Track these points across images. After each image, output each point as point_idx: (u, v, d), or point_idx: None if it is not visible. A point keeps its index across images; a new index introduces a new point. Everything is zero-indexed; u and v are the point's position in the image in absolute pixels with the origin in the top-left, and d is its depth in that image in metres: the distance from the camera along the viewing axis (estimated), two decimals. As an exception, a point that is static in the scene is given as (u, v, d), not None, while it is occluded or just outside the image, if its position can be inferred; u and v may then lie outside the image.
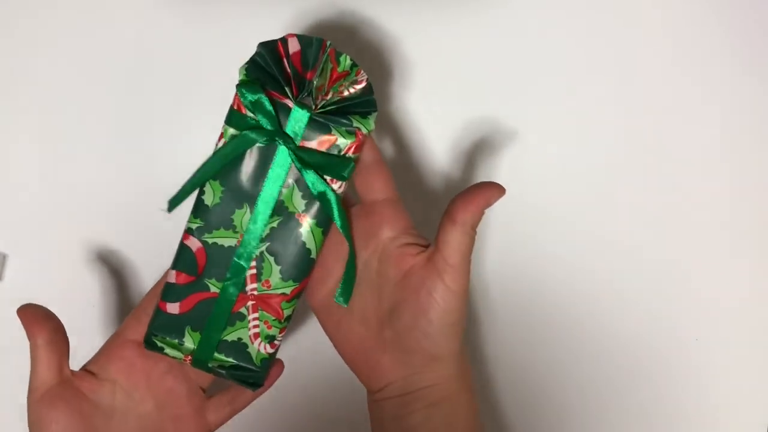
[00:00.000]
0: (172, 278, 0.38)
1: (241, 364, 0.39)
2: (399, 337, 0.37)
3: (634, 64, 0.50)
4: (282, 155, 0.36)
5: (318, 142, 0.36)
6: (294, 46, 0.36)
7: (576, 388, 0.49)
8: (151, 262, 0.48)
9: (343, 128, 0.36)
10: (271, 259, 0.37)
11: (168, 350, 0.38)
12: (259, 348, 0.39)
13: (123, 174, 0.49)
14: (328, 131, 0.36)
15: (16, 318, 0.47)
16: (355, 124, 0.36)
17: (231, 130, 0.36)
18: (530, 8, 0.50)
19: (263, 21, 0.49)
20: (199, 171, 0.36)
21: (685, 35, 0.50)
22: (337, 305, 0.39)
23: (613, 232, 0.49)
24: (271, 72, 0.36)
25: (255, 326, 0.38)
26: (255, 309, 0.38)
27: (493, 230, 0.49)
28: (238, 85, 0.36)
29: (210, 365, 0.38)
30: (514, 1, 0.50)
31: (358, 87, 0.37)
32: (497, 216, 0.49)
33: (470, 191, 0.36)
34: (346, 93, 0.37)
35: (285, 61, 0.36)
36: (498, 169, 0.49)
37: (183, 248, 0.37)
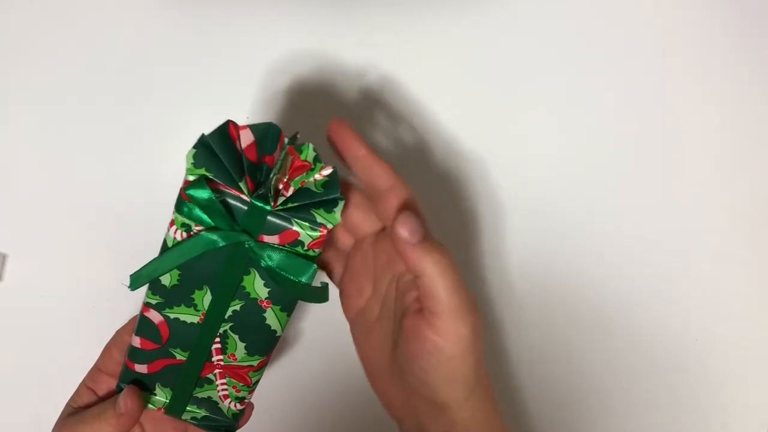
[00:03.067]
0: (137, 343, 0.37)
1: (213, 416, 0.39)
2: (402, 377, 0.35)
3: (634, 64, 0.50)
4: (239, 248, 0.34)
5: (279, 237, 0.33)
6: (247, 138, 0.33)
7: (570, 390, 0.49)
8: (151, 262, 0.48)
9: (307, 224, 0.33)
10: (236, 336, 0.36)
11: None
12: (229, 406, 0.39)
13: (123, 174, 0.49)
14: (290, 224, 0.33)
15: (16, 318, 0.47)
16: (320, 219, 0.33)
17: (181, 218, 0.33)
18: (530, 8, 0.50)
19: (264, 21, 0.49)
20: (156, 261, 0.34)
21: (685, 34, 0.50)
22: (365, 325, 0.37)
23: (613, 233, 0.49)
24: (223, 162, 0.32)
25: (224, 389, 0.38)
26: (222, 376, 0.38)
27: (513, 229, 0.49)
28: (185, 188, 0.32)
29: (183, 417, 0.39)
30: (514, 1, 0.50)
31: (324, 174, 0.34)
32: (514, 215, 0.49)
33: (398, 218, 0.32)
34: (308, 182, 0.34)
35: (238, 147, 0.33)
36: (500, 170, 0.49)
37: (144, 319, 0.37)
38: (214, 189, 0.32)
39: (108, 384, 0.40)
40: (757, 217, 0.50)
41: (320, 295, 0.36)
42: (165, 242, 0.34)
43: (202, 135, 0.33)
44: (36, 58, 0.49)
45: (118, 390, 0.39)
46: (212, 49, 0.49)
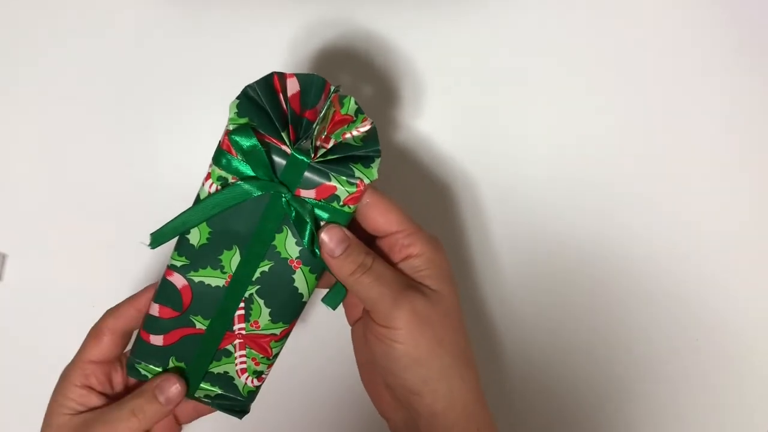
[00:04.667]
0: (155, 311, 0.36)
1: (228, 394, 0.38)
2: (379, 372, 0.37)
3: (635, 63, 0.50)
4: (276, 202, 0.34)
5: (316, 191, 0.33)
6: (293, 86, 0.33)
7: (571, 389, 0.49)
8: (152, 262, 0.48)
9: (344, 177, 0.33)
10: (261, 302, 0.36)
11: (151, 377, 0.37)
12: (246, 382, 0.38)
13: (123, 174, 0.49)
14: (327, 179, 0.33)
15: (16, 318, 0.47)
16: (357, 174, 0.33)
17: (219, 171, 0.33)
18: (531, 7, 0.50)
19: (264, 20, 0.49)
20: (186, 214, 0.34)
21: (685, 33, 0.50)
22: (362, 332, 0.38)
23: (613, 233, 0.49)
24: (266, 111, 0.33)
25: (242, 362, 0.37)
26: (242, 347, 0.37)
27: (508, 229, 0.49)
28: (230, 133, 0.32)
29: (195, 395, 0.38)
30: (515, 1, 0.50)
31: (362, 131, 0.34)
32: (503, 216, 0.49)
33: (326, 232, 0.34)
34: (348, 136, 0.34)
35: (281, 98, 0.33)
36: (499, 170, 0.49)
37: (166, 284, 0.36)
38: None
39: (103, 376, 0.38)
40: (757, 217, 0.50)
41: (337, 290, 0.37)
42: (198, 197, 0.34)
43: (246, 86, 0.33)
44: (36, 58, 0.49)
45: (131, 366, 0.37)
46: (213, 49, 0.49)
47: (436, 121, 0.49)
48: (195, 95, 0.49)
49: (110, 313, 0.38)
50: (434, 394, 0.34)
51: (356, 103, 0.34)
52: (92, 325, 0.38)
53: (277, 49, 0.48)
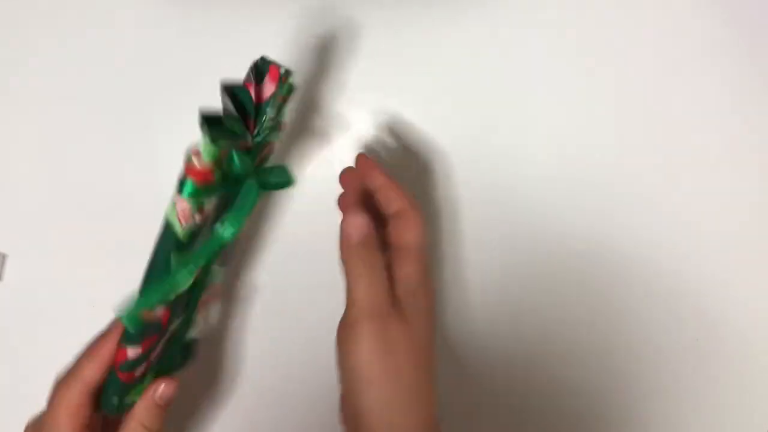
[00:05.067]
0: (134, 353, 0.36)
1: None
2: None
3: (635, 63, 0.50)
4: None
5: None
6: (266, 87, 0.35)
7: (571, 390, 0.49)
8: (151, 262, 0.48)
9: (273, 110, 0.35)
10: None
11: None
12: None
13: (123, 174, 0.49)
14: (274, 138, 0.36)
15: (16, 318, 0.47)
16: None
17: (185, 199, 0.33)
18: (531, 7, 0.50)
19: (264, 20, 0.49)
20: (166, 280, 0.35)
21: (685, 33, 0.50)
22: (342, 337, 0.37)
23: (612, 234, 0.49)
24: (231, 131, 0.34)
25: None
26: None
27: (506, 228, 0.49)
28: (190, 159, 0.33)
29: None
30: (515, 1, 0.50)
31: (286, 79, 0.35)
32: (503, 216, 0.49)
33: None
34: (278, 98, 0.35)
35: (230, 106, 0.34)
36: (499, 170, 0.49)
37: (150, 323, 0.36)
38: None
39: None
40: (757, 217, 0.50)
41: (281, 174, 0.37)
42: (168, 229, 0.33)
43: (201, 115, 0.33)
44: (36, 58, 0.49)
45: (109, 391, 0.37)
46: (213, 49, 0.49)
47: (436, 121, 0.49)
48: (195, 95, 0.49)
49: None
50: (379, 420, 0.33)
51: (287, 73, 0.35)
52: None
53: (277, 49, 0.48)
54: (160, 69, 0.49)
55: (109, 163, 0.49)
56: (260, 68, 0.34)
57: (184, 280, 0.33)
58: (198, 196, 0.32)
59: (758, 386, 0.49)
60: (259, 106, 0.34)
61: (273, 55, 0.48)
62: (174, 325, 0.38)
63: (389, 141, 0.49)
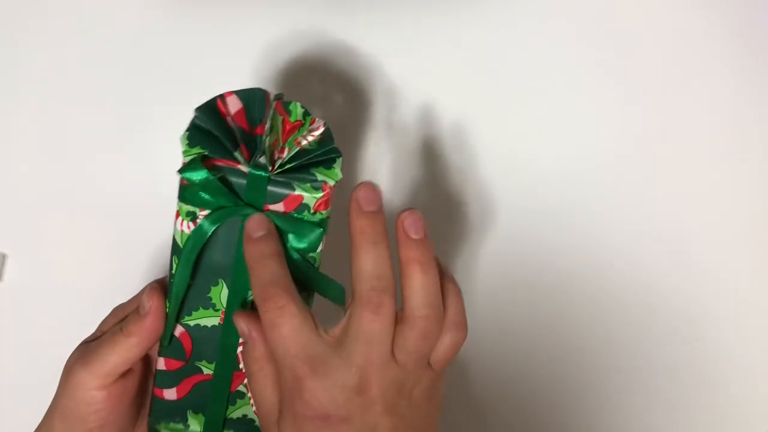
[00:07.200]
0: (162, 365, 0.35)
1: None
2: None
3: (635, 63, 0.50)
4: None
5: (284, 204, 0.32)
6: (234, 104, 0.33)
7: (573, 390, 0.49)
8: (152, 263, 0.48)
9: (308, 184, 0.32)
10: None
11: None
12: None
13: (123, 174, 0.49)
14: (291, 189, 0.32)
15: (16, 318, 0.47)
16: (320, 177, 0.32)
17: (186, 207, 0.33)
18: (531, 7, 0.50)
19: (264, 20, 0.49)
20: (176, 281, 0.33)
21: (686, 33, 0.50)
22: None
23: (613, 233, 0.49)
24: (216, 136, 0.32)
25: None
26: None
27: (509, 227, 0.49)
28: (180, 171, 0.32)
29: None
30: (514, 1, 0.50)
31: (316, 134, 0.33)
32: (502, 215, 0.49)
33: None
34: (303, 143, 0.33)
35: (228, 120, 0.33)
36: (498, 169, 0.49)
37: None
38: (213, 166, 0.32)
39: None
40: (758, 217, 0.50)
41: (336, 290, 0.34)
42: (174, 240, 0.33)
43: (193, 116, 0.33)
44: (36, 58, 0.49)
45: (150, 428, 0.36)
46: (213, 49, 0.49)
47: (436, 121, 0.49)
48: (195, 95, 0.49)
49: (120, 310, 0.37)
50: None
51: (302, 107, 0.33)
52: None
53: (277, 49, 0.48)
54: (160, 69, 0.49)
55: (109, 163, 0.49)
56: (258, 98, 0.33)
57: (182, 274, 0.33)
58: (182, 197, 0.33)
59: (758, 386, 0.49)
60: (253, 136, 0.33)
61: (273, 55, 0.49)
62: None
63: (385, 143, 0.49)
